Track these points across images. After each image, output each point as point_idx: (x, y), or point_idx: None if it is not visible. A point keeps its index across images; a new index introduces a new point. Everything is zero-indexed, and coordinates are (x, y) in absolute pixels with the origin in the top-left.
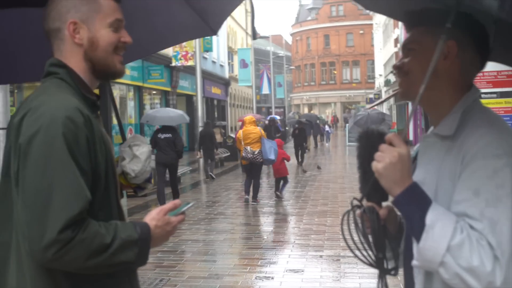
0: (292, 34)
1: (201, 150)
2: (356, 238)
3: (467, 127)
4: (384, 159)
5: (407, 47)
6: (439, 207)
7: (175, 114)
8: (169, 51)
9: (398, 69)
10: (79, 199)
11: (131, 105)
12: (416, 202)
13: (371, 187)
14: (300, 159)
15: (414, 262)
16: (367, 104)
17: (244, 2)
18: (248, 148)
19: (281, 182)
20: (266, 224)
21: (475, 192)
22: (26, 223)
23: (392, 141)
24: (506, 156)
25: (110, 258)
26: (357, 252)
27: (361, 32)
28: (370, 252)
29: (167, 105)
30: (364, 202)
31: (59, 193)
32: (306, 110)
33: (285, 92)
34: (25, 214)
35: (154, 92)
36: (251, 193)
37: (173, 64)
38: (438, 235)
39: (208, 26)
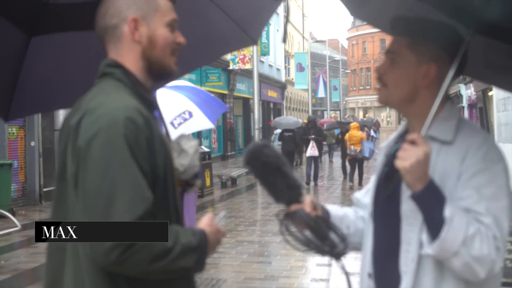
0: (348, 38)
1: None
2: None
3: (461, 134)
4: (410, 158)
5: (391, 56)
6: (452, 202)
7: (293, 121)
8: (227, 55)
9: (379, 76)
10: (142, 201)
11: None
12: (435, 197)
13: (285, 194)
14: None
15: (428, 251)
16: None
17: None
18: (352, 147)
19: None
20: None
21: (477, 191)
22: None
23: (416, 140)
24: (501, 162)
25: (171, 263)
26: (311, 249)
27: None
28: (318, 244)
29: None
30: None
31: (122, 195)
32: (361, 114)
33: (340, 96)
34: (86, 217)
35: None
36: (354, 181)
37: (231, 67)
38: (457, 227)
39: (248, 36)
